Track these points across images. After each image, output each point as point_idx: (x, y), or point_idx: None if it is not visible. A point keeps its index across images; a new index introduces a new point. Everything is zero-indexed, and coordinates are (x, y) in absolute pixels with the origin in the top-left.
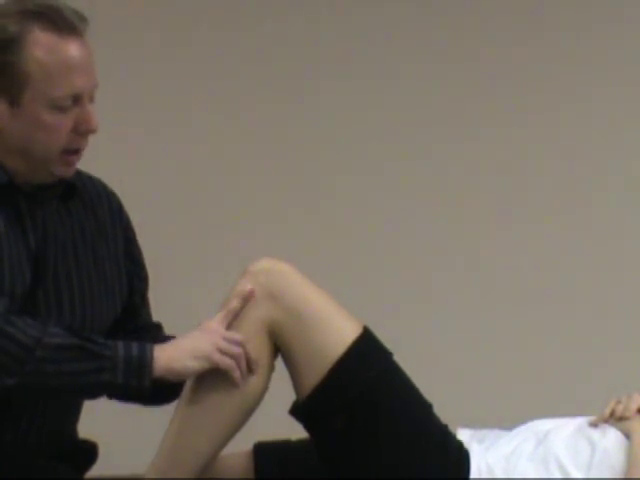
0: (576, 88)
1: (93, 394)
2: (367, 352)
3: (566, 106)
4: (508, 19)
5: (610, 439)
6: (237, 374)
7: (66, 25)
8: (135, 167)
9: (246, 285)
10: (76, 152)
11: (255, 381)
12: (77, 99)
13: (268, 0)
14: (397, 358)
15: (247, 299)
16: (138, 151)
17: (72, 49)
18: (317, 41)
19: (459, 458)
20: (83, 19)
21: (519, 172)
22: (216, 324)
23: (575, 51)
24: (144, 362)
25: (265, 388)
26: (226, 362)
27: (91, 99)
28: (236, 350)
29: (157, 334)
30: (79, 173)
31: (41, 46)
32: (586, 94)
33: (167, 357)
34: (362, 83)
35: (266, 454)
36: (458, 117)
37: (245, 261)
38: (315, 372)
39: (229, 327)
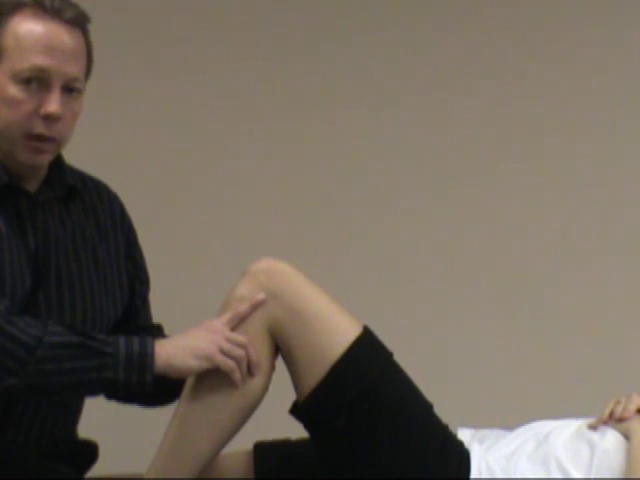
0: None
1: (95, 391)
2: (367, 352)
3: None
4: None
5: (609, 440)
6: (237, 376)
7: (53, 9)
8: (135, 168)
9: (246, 285)
10: (41, 139)
11: (256, 381)
12: (44, 81)
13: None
14: (397, 358)
15: (257, 306)
16: (138, 152)
17: (51, 30)
18: (319, 41)
19: (459, 458)
20: (80, 13)
21: (521, 173)
22: (220, 324)
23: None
24: (145, 357)
25: (266, 388)
26: (227, 364)
27: (69, 89)
28: (239, 352)
29: (158, 335)
30: (81, 175)
31: (21, 22)
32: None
33: (168, 353)
34: (362, 82)
35: (266, 454)
36: (458, 120)
37: (245, 261)
38: (315, 372)
39: (232, 329)
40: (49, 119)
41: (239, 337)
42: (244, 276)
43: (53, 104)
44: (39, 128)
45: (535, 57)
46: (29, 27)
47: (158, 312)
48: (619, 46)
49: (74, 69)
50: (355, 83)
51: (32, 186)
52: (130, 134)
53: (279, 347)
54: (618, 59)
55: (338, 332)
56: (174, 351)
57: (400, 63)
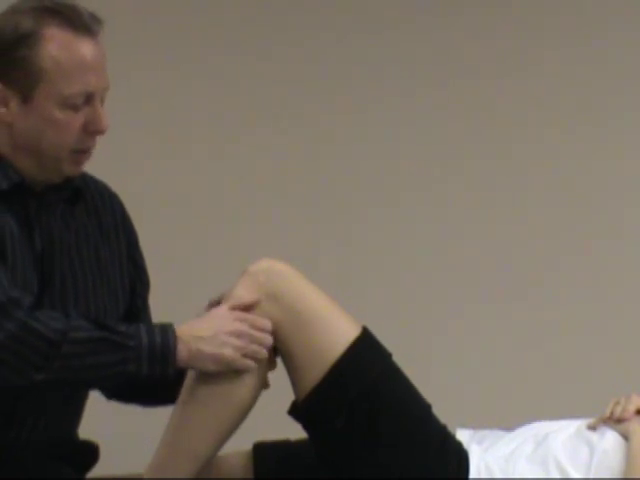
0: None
1: (117, 383)
2: (366, 353)
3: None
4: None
5: (609, 441)
6: (254, 371)
7: (82, 24)
8: (134, 167)
9: (245, 286)
10: (85, 152)
11: (253, 380)
12: (89, 98)
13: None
14: (396, 359)
15: (251, 308)
16: (137, 151)
17: (87, 48)
18: (319, 41)
19: (458, 459)
20: (98, 21)
21: (520, 171)
22: (247, 328)
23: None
24: (167, 350)
25: (261, 387)
26: (247, 365)
27: (102, 100)
28: (267, 341)
29: None
30: (83, 175)
31: (56, 43)
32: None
33: (189, 353)
34: (362, 83)
35: (265, 454)
36: (457, 120)
37: (245, 261)
38: (314, 373)
39: None
40: (98, 134)
41: (265, 322)
42: (243, 276)
43: (104, 121)
44: (87, 143)
45: (536, 56)
46: (67, 49)
47: (158, 312)
48: (621, 45)
49: (107, 80)
50: (357, 82)
51: (39, 187)
52: (128, 133)
53: (278, 347)
54: (619, 56)
55: (337, 333)
56: (196, 354)
57: (398, 63)
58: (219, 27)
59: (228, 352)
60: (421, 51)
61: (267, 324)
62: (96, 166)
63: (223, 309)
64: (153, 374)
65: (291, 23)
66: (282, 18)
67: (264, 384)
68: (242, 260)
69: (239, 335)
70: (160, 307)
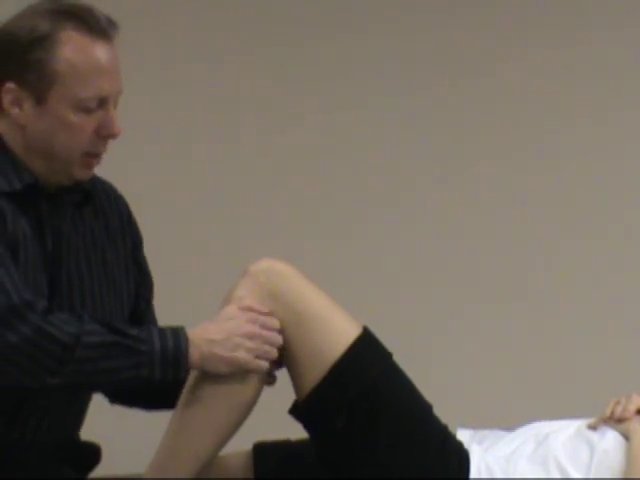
0: None
1: (129, 386)
2: (367, 353)
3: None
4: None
5: (609, 440)
6: (265, 369)
7: (98, 28)
8: (134, 167)
9: (246, 286)
10: (96, 156)
11: (252, 380)
12: (102, 102)
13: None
14: (397, 358)
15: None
16: (137, 150)
17: (102, 52)
18: (318, 41)
19: (459, 459)
20: (114, 24)
21: (520, 171)
22: (258, 329)
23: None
24: (179, 354)
25: (261, 387)
26: (260, 366)
27: (115, 104)
28: (278, 341)
29: None
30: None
31: (72, 46)
32: None
33: (202, 356)
34: (361, 82)
35: (266, 454)
36: (454, 120)
37: (245, 261)
38: (315, 372)
39: None
40: (111, 138)
41: (273, 321)
42: (244, 276)
43: (116, 125)
44: (98, 147)
45: (536, 55)
46: (83, 53)
47: (157, 312)
48: (619, 45)
49: (121, 85)
50: (356, 82)
51: (51, 188)
52: (127, 133)
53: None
54: (619, 56)
55: (338, 332)
56: (209, 356)
57: (398, 62)
58: (219, 27)
59: (241, 355)
60: (421, 49)
61: (276, 323)
62: (96, 166)
63: (233, 310)
64: (165, 378)
65: (291, 23)
66: (282, 18)
67: (270, 379)
68: (242, 260)
69: (251, 337)
70: (160, 307)
